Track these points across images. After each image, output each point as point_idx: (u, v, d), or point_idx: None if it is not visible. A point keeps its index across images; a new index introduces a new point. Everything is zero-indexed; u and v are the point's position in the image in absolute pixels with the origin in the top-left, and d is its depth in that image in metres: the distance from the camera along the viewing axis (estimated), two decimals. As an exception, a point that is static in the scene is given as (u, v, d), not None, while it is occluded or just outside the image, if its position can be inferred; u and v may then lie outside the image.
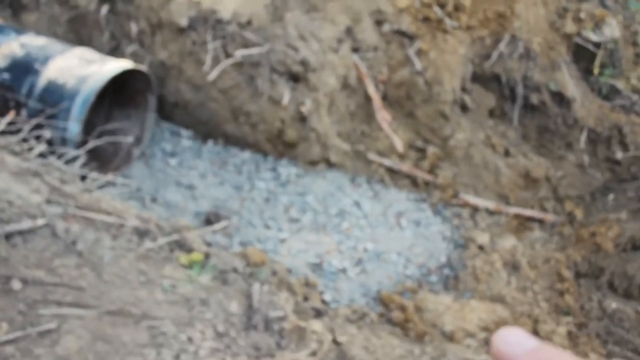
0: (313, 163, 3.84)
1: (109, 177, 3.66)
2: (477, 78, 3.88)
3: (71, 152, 3.20)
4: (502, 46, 3.76)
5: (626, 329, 3.41)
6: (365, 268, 3.33)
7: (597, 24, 3.75)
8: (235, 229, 3.45)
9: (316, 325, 2.63)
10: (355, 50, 3.86)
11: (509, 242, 3.67)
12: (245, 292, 2.70)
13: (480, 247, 3.55)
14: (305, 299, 3.00)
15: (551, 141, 3.89)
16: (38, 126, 3.27)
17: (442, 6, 3.79)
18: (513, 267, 3.50)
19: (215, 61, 3.71)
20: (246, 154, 3.92)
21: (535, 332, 3.12)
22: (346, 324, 2.85)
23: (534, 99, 3.81)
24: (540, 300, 3.40)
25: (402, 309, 3.09)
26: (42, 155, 3.08)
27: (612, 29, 3.74)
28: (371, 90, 3.80)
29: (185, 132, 4.04)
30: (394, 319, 3.05)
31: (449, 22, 3.76)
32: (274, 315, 2.61)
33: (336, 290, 3.19)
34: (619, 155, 3.77)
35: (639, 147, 3.75)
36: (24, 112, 3.40)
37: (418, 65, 3.77)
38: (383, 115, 3.77)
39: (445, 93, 3.74)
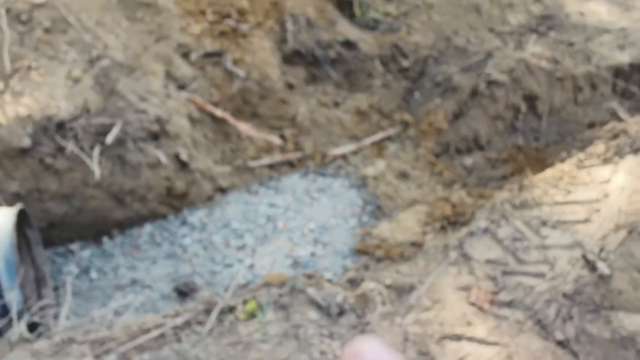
0: (210, 198, 4.22)
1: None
2: (284, 59, 4.63)
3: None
4: (290, 26, 4.55)
5: (483, 169, 4.68)
6: (325, 241, 3.97)
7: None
8: (207, 284, 3.73)
9: (369, 284, 3.23)
10: (181, 87, 4.26)
11: (382, 164, 4.62)
12: (310, 301, 3.15)
13: (375, 178, 4.43)
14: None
15: (357, 78, 4.88)
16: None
17: (228, 16, 4.38)
18: (403, 176, 4.48)
19: (81, 160, 3.77)
20: (148, 227, 4.10)
21: (453, 206, 4.15)
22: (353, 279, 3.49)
23: (332, 54, 4.72)
24: (434, 185, 4.46)
25: (378, 246, 3.85)
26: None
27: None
28: (219, 112, 4.27)
29: (75, 246, 4.02)
30: (381, 255, 3.80)
31: (243, 27, 4.39)
32: (340, 299, 3.14)
33: (326, 269, 3.78)
34: (405, 63, 4.96)
35: (413, 51, 4.97)
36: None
37: (241, 73, 4.36)
38: (243, 127, 4.30)
39: (277, 83, 4.42)
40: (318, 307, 3.11)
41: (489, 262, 3.28)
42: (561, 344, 2.71)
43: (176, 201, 4.16)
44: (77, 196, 3.91)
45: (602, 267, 3.02)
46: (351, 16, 4.95)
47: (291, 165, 4.52)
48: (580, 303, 2.90)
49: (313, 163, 4.54)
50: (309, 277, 3.64)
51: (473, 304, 2.98)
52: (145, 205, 4.08)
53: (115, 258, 3.96)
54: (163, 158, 3.99)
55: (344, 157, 4.63)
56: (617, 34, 5.15)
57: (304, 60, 4.70)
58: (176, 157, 4.06)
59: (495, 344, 2.73)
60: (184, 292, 3.69)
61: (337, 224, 4.13)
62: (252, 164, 4.39)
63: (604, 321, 2.80)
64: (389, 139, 4.80)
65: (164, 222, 4.15)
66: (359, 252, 3.90)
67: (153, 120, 3.97)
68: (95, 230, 4.05)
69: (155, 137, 4.01)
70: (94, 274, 3.86)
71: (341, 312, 3.08)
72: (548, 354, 2.65)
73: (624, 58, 4.92)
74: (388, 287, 3.25)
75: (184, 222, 4.14)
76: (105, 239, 4.06)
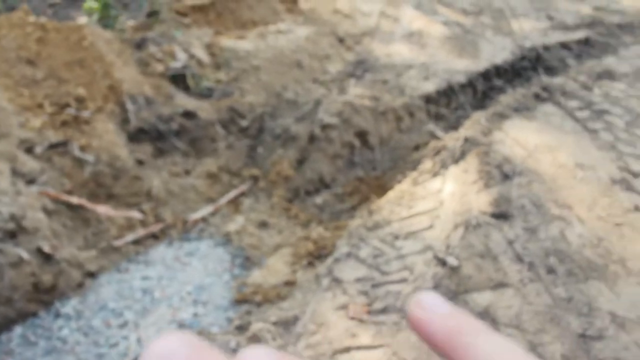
0: (81, 285, 4.23)
1: None
2: (130, 138, 4.81)
3: None
4: (130, 106, 4.76)
5: (334, 204, 5.13)
6: (204, 300, 4.15)
7: (172, 56, 5.12)
8: (96, 367, 3.75)
9: (257, 325, 3.48)
10: (30, 182, 4.28)
11: (241, 218, 4.91)
12: None
13: (237, 232, 4.70)
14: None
15: (202, 145, 5.17)
16: None
17: (68, 106, 4.51)
18: (262, 225, 4.80)
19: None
20: (18, 329, 4.02)
21: (315, 242, 4.53)
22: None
23: (174, 126, 4.99)
24: (293, 228, 4.82)
25: (255, 292, 4.11)
26: None
27: (182, 54, 5.16)
28: (75, 200, 4.34)
29: (-60, 366, 3.82)
30: (260, 300, 4.06)
31: (84, 114, 4.53)
32: (234, 344, 3.35)
33: (211, 325, 3.96)
34: (244, 123, 5.34)
35: (249, 111, 5.37)
36: None
37: (90, 158, 4.47)
38: (101, 209, 4.39)
39: (127, 162, 4.59)
40: None
41: (357, 280, 3.67)
42: (432, 331, 3.13)
43: (45, 295, 4.13)
44: (-63, 312, 3.76)
45: (452, 261, 3.53)
46: (186, 88, 5.26)
47: (155, 237, 4.66)
48: (441, 294, 3.36)
49: (176, 231, 4.71)
50: (198, 334, 3.80)
51: (353, 318, 3.34)
52: (12, 306, 4.00)
53: (-9, 370, 3.83)
54: (25, 254, 3.97)
55: (204, 219, 4.86)
56: (420, 68, 5.95)
57: (149, 136, 4.91)
58: (39, 251, 4.05)
59: (380, 346, 3.09)
60: (73, 382, 3.66)
61: (211, 281, 4.32)
62: (117, 243, 4.48)
63: (462, 304, 3.27)
64: (242, 194, 5.11)
65: (36, 319, 4.08)
66: (239, 302, 4.12)
67: (7, 219, 3.96)
68: (-38, 345, 3.90)
69: (12, 235, 3.99)
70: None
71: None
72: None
73: (430, 87, 5.70)
74: (274, 323, 3.52)
75: (57, 315, 4.10)
76: (-27, 353, 3.91)
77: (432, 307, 0.39)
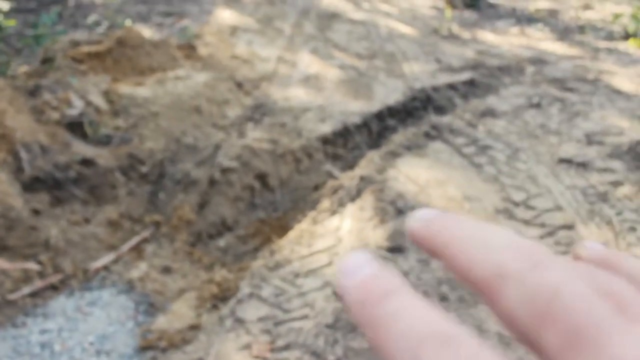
0: (-27, 342, 4.11)
1: None
2: (25, 188, 4.75)
3: None
4: (24, 155, 4.72)
5: (236, 247, 5.26)
6: (108, 349, 4.13)
7: (69, 103, 5.12)
8: None
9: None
10: None
11: (143, 265, 4.93)
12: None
13: (140, 279, 4.72)
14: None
15: (101, 192, 5.17)
16: None
17: (-43, 158, 4.42)
18: (166, 270, 4.84)
19: None
20: None
21: (219, 284, 4.62)
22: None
23: (72, 174, 4.97)
24: (197, 272, 4.89)
25: (160, 338, 4.14)
26: None
27: (78, 101, 5.18)
28: (-35, 253, 4.24)
29: None
30: (165, 346, 4.09)
31: (-25, 165, 4.45)
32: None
33: (114, 374, 3.95)
34: (144, 169, 5.39)
35: (148, 157, 5.43)
36: None
37: (-19, 209, 4.39)
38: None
39: (22, 212, 4.52)
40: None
41: (260, 319, 3.80)
42: (333, 362, 3.31)
43: None
44: None
45: (349, 295, 3.73)
46: (83, 136, 5.27)
47: (55, 288, 4.59)
48: (341, 327, 3.54)
49: (76, 281, 4.67)
50: (100, 385, 3.79)
51: (256, 357, 3.45)
52: None
53: None
54: None
55: (106, 268, 4.84)
56: (317, 111, 6.24)
57: (45, 185, 4.87)
58: None
59: (282, 380, 3.22)
60: None
61: (115, 330, 4.31)
62: (12, 297, 4.38)
63: (361, 336, 3.47)
64: (145, 241, 5.13)
65: None
66: (143, 348, 4.12)
67: None
68: None
69: None
70: None
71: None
72: (325, 373, 3.22)
73: (326, 129, 5.99)
74: (179, 367, 3.57)
75: (-50, 376, 3.97)
76: None
77: (426, 218, 0.43)
